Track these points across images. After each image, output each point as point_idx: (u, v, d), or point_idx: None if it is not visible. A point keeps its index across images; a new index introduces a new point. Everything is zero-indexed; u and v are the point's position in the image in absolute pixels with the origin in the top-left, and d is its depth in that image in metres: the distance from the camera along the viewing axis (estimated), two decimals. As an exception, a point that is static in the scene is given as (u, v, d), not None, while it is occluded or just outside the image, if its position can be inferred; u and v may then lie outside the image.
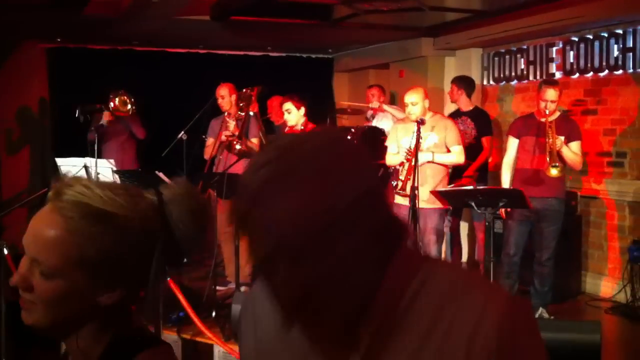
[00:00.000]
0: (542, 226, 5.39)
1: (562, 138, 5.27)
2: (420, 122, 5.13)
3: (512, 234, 5.45)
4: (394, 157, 5.73)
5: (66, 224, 1.20)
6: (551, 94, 5.28)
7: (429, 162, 5.44)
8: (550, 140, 5.17)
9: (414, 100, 5.55)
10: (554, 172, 5.12)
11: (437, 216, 5.68)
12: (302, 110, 5.99)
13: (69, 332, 1.28)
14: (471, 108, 7.05)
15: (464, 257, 7.64)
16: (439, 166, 5.60)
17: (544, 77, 7.06)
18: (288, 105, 5.95)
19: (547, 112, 5.26)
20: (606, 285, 6.32)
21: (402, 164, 5.53)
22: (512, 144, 5.59)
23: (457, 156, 5.57)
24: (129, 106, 6.84)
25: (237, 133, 6.24)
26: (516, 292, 5.53)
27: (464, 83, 7.04)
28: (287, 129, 6.20)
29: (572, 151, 5.34)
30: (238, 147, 6.11)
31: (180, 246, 1.28)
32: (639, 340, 5.27)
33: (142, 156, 7.48)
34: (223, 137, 6.28)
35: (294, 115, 5.94)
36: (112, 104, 6.81)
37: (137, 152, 7.42)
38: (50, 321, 1.24)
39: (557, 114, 5.41)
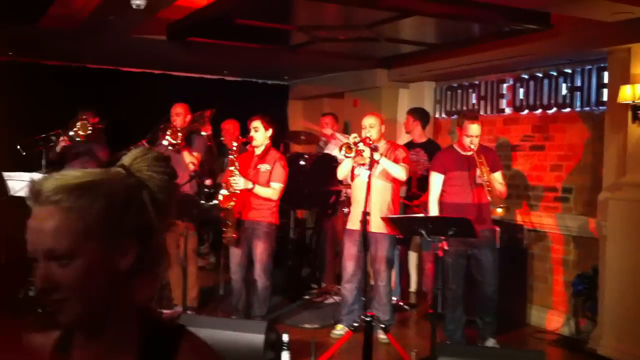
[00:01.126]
0: (479, 258, 5.49)
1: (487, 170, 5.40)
2: (374, 149, 5.18)
3: (450, 269, 5.49)
4: (343, 164, 5.80)
5: (58, 207, 1.27)
6: (474, 129, 5.41)
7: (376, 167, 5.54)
8: (485, 176, 5.30)
9: (372, 122, 5.67)
10: (499, 211, 5.23)
11: (389, 243, 5.75)
12: (269, 132, 5.99)
13: (103, 318, 1.32)
14: (424, 140, 7.17)
15: (413, 287, 7.70)
16: (387, 193, 5.67)
17: (495, 112, 7.24)
18: (257, 124, 5.95)
19: (473, 146, 5.37)
20: (551, 318, 6.43)
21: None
22: (437, 180, 5.62)
23: (403, 169, 5.65)
24: (89, 130, 6.76)
25: (178, 140, 6.21)
26: (464, 323, 5.56)
27: (420, 115, 7.17)
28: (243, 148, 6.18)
29: (498, 182, 5.48)
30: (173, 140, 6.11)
31: (161, 195, 1.37)
32: (582, 372, 5.36)
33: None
34: (165, 142, 6.23)
35: (260, 135, 5.94)
36: (74, 128, 6.72)
37: None
38: (85, 308, 1.29)
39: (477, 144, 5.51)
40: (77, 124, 6.69)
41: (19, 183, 6.62)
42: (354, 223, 5.81)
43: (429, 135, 7.41)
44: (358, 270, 5.91)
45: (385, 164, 5.56)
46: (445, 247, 4.91)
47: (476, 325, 5.65)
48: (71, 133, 6.73)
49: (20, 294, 6.42)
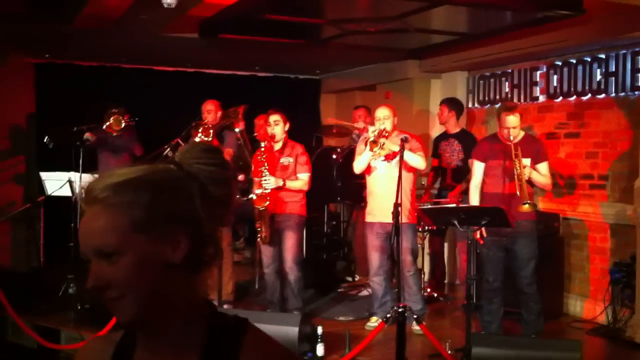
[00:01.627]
0: (516, 250, 5.29)
1: (529, 162, 5.22)
2: (405, 140, 5.18)
3: (487, 260, 5.39)
4: (362, 157, 5.79)
5: (104, 205, 1.26)
6: (512, 120, 5.22)
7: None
8: (518, 170, 5.07)
9: (386, 114, 5.73)
10: (526, 207, 5.05)
11: (412, 232, 5.75)
12: (287, 125, 6.04)
13: (163, 315, 1.28)
14: (458, 130, 7.13)
15: (447, 278, 7.67)
16: (406, 183, 5.64)
17: (528, 100, 7.16)
18: (277, 117, 5.99)
19: (511, 137, 5.20)
20: (588, 307, 6.36)
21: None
22: (478, 167, 5.52)
23: (423, 159, 5.65)
24: (122, 124, 6.86)
25: (210, 137, 6.27)
26: (501, 316, 5.44)
27: (455, 105, 7.13)
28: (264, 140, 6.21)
29: (541, 174, 5.30)
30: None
31: (214, 187, 1.33)
32: (619, 360, 5.29)
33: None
34: (196, 139, 6.30)
35: (280, 128, 5.99)
36: (107, 122, 6.83)
37: None
38: (142, 305, 1.26)
39: (522, 134, 5.38)
40: (110, 118, 6.80)
41: (56, 183, 6.76)
42: (374, 216, 5.82)
43: (462, 126, 7.37)
44: (384, 262, 5.91)
45: (408, 155, 5.53)
46: (477, 238, 4.87)
47: (519, 319, 5.52)
48: (104, 127, 6.83)
49: (60, 291, 6.55)
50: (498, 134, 5.47)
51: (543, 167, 5.34)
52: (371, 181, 5.92)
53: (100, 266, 1.24)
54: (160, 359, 1.30)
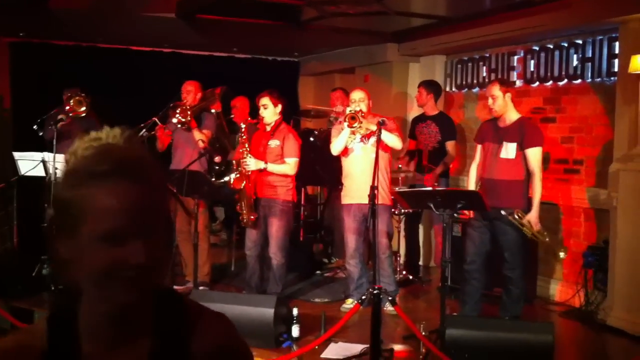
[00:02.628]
0: (499, 236, 5.28)
1: (514, 147, 5.20)
2: (382, 123, 5.18)
3: (470, 240, 5.42)
4: (339, 138, 5.79)
5: (154, 182, 1.26)
6: (489, 90, 5.33)
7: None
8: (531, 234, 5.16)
9: (362, 96, 5.79)
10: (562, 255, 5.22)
11: (388, 214, 5.79)
12: (279, 107, 5.99)
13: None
14: (436, 113, 7.15)
15: (421, 261, 7.71)
16: (382, 164, 5.64)
17: (506, 85, 7.18)
18: (265, 101, 5.94)
19: (495, 108, 5.26)
20: (561, 290, 6.43)
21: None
22: (478, 150, 5.56)
23: (399, 138, 5.67)
24: (84, 106, 6.71)
25: (187, 118, 6.21)
26: (478, 298, 5.44)
27: (433, 87, 7.15)
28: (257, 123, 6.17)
29: (529, 160, 5.23)
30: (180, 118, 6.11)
31: None
32: (593, 343, 5.36)
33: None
34: (174, 120, 6.24)
35: (269, 111, 5.93)
36: (67, 107, 6.68)
37: None
38: (157, 280, 1.24)
39: (515, 116, 5.38)
40: (70, 101, 6.65)
41: (29, 163, 6.68)
42: (351, 197, 5.84)
43: (440, 109, 7.38)
44: (360, 245, 5.94)
45: (385, 135, 5.53)
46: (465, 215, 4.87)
47: (499, 301, 5.55)
48: (68, 112, 6.68)
49: (34, 272, 6.50)
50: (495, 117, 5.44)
51: (530, 152, 5.23)
52: (347, 163, 5.92)
53: (147, 245, 1.18)
54: (115, 346, 1.24)
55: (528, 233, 5.12)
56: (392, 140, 5.60)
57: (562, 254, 5.19)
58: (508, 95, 5.33)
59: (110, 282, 1.17)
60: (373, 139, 5.73)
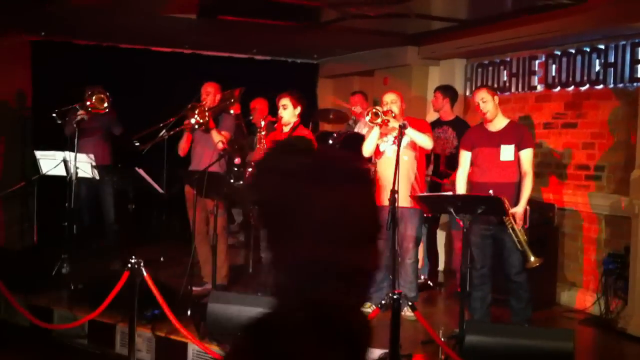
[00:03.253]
0: (504, 239, 5.25)
1: (512, 149, 5.26)
2: (403, 127, 5.15)
3: (475, 246, 5.37)
4: (368, 139, 5.80)
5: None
6: (476, 96, 5.38)
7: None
8: (517, 236, 5.15)
9: (394, 98, 5.75)
10: (532, 261, 5.15)
11: (417, 219, 5.75)
12: (299, 109, 5.98)
13: None
14: (452, 118, 7.11)
15: (441, 266, 7.67)
16: (413, 168, 5.69)
17: (526, 90, 7.15)
18: (285, 101, 5.94)
19: (485, 112, 5.29)
20: (580, 297, 6.38)
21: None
22: (464, 157, 5.51)
23: (429, 137, 5.69)
24: (106, 103, 6.74)
25: (206, 119, 6.20)
26: (490, 302, 5.44)
27: (450, 92, 7.11)
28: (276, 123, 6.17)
29: (522, 161, 5.28)
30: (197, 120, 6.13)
31: None
32: (613, 351, 5.31)
33: (119, 152, 7.40)
34: (192, 121, 6.24)
35: (288, 112, 5.93)
36: (88, 102, 6.71)
37: (112, 149, 7.34)
38: None
39: (505, 122, 5.38)
40: (92, 98, 6.68)
41: (50, 162, 6.72)
42: (381, 200, 5.81)
43: (457, 113, 7.35)
44: (386, 248, 5.91)
45: (412, 133, 5.54)
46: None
47: (508, 307, 5.54)
48: (89, 108, 6.70)
49: (54, 270, 6.54)
50: (483, 123, 5.48)
51: (525, 153, 5.29)
52: (380, 166, 5.90)
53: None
54: None
55: (515, 239, 5.07)
56: (421, 138, 5.57)
57: (532, 259, 5.12)
58: (496, 98, 5.39)
59: None
60: (405, 141, 5.70)
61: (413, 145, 5.70)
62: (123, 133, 7.20)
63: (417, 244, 5.89)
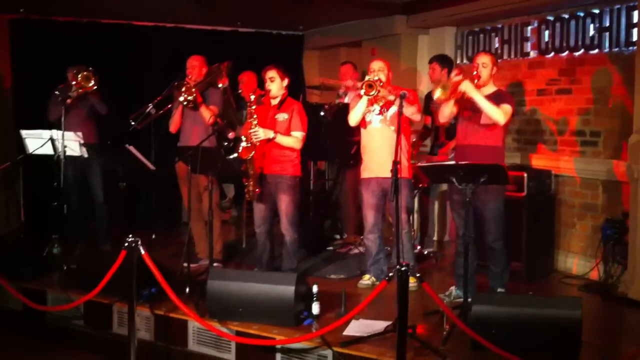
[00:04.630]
0: (481, 208, 5.24)
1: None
2: (403, 97, 5.04)
3: (456, 216, 5.39)
4: (356, 109, 5.68)
5: None
6: (480, 58, 5.30)
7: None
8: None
9: (381, 66, 5.66)
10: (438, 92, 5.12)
11: (408, 189, 5.71)
12: (286, 81, 5.88)
13: None
14: None
15: (435, 236, 7.63)
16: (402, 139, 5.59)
17: (519, 56, 7.07)
18: (272, 73, 5.82)
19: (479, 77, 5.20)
20: (578, 264, 6.37)
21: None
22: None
23: (417, 110, 5.60)
24: (92, 81, 6.58)
25: (192, 97, 6.09)
26: (474, 270, 5.36)
27: (447, 62, 6.97)
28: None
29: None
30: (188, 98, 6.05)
31: None
32: (613, 316, 5.30)
33: (105, 131, 7.20)
34: (181, 99, 6.13)
35: (276, 85, 5.82)
36: (74, 82, 6.55)
37: (98, 128, 7.13)
38: None
39: (493, 89, 5.30)
40: (78, 77, 6.52)
41: (37, 141, 6.55)
42: (370, 171, 5.75)
43: (450, 82, 7.25)
44: (379, 220, 5.86)
45: (404, 107, 5.43)
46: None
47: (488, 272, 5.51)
48: (76, 86, 6.54)
49: (44, 252, 6.41)
50: None
51: (503, 105, 5.15)
52: (366, 136, 5.81)
53: None
54: None
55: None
56: (412, 113, 5.51)
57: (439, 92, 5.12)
58: (494, 69, 5.31)
59: None
60: (392, 111, 5.63)
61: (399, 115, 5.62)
62: (108, 112, 7.01)
63: (409, 214, 5.85)
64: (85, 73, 6.53)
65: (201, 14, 8.28)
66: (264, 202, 5.90)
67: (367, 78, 5.50)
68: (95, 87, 6.58)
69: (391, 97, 5.53)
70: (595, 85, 6.31)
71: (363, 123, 5.76)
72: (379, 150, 5.64)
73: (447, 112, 5.31)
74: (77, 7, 8.00)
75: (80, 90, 6.56)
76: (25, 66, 8.28)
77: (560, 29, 6.60)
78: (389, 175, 5.39)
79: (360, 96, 5.59)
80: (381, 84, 5.46)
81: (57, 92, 6.68)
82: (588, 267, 6.18)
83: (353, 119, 5.73)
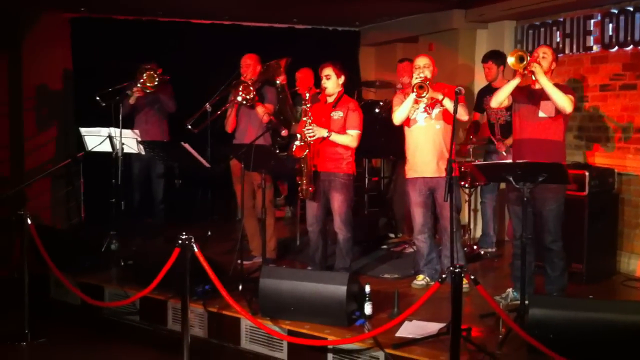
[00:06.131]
0: (540, 207, 5.06)
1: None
2: (459, 93, 4.92)
3: (514, 216, 5.22)
4: (402, 107, 5.59)
5: None
6: (541, 49, 5.14)
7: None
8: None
9: (427, 62, 5.56)
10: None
11: (455, 188, 5.56)
12: (342, 78, 5.83)
13: None
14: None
15: (494, 236, 7.45)
16: (445, 136, 5.53)
17: (581, 51, 6.85)
18: (328, 71, 5.78)
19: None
20: (642, 266, 6.15)
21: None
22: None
23: (464, 109, 5.41)
24: (157, 81, 6.70)
25: (251, 95, 6.09)
26: (533, 271, 5.23)
27: (502, 59, 6.78)
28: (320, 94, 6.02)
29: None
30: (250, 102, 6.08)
31: None
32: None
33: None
34: (239, 98, 6.14)
35: (332, 82, 5.77)
36: (141, 79, 6.68)
37: (168, 125, 7.26)
38: None
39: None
40: (143, 75, 6.66)
41: (96, 139, 6.67)
42: (415, 171, 5.65)
43: (508, 77, 7.05)
44: (428, 219, 5.75)
45: (448, 104, 5.34)
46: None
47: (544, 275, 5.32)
48: (139, 85, 6.69)
49: (102, 247, 6.52)
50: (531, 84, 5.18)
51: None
52: (411, 135, 5.70)
53: None
54: None
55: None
56: (459, 111, 5.38)
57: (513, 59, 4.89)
58: (554, 64, 5.14)
59: None
60: (437, 110, 5.53)
61: (444, 114, 5.50)
62: (176, 110, 7.12)
63: (458, 212, 5.72)
64: (150, 72, 6.66)
65: (258, 11, 8.28)
66: (317, 200, 5.86)
67: (415, 77, 5.39)
68: (156, 86, 6.68)
69: (438, 96, 5.41)
70: (662, 80, 6.06)
71: (407, 122, 5.66)
72: (424, 149, 5.56)
73: (502, 96, 5.12)
74: (136, 5, 8.12)
75: (138, 87, 6.69)
76: (86, 64, 8.43)
77: (624, 22, 6.36)
78: (434, 174, 5.34)
79: (403, 93, 5.50)
80: (428, 82, 5.36)
81: (127, 91, 6.82)
82: (653, 269, 5.96)
83: (398, 118, 5.64)
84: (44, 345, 5.23)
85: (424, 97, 5.35)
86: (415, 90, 5.32)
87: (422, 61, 5.59)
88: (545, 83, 4.89)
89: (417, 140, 5.64)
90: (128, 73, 6.91)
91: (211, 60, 8.51)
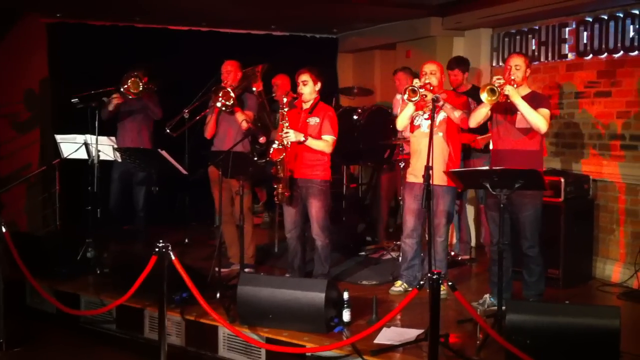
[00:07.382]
0: (517, 213, 5.11)
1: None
2: (435, 100, 4.96)
3: (491, 222, 5.27)
4: (403, 113, 5.59)
5: None
6: (513, 60, 5.19)
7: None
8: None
9: (434, 69, 5.57)
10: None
11: (450, 196, 5.60)
12: (318, 85, 5.83)
13: None
14: (470, 87, 6.89)
15: (472, 242, 7.51)
16: (449, 144, 5.53)
17: (556, 58, 6.92)
18: (305, 77, 5.78)
19: (512, 77, 5.06)
20: (617, 271, 6.20)
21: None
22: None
23: (461, 114, 5.43)
24: (140, 88, 6.62)
25: (231, 102, 6.08)
26: (511, 277, 5.29)
27: (466, 64, 6.90)
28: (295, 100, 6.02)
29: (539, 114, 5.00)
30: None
31: None
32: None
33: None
34: (218, 104, 6.11)
35: (309, 88, 5.77)
36: (124, 85, 6.60)
37: (152, 132, 7.18)
38: None
39: (527, 91, 5.17)
40: (128, 81, 6.58)
41: (71, 146, 6.61)
42: (415, 176, 5.65)
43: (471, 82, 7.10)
44: (419, 225, 5.77)
45: (448, 110, 5.37)
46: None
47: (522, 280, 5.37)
48: (122, 90, 6.61)
49: (79, 255, 6.46)
50: None
51: (541, 110, 5.01)
52: (414, 140, 5.73)
53: None
54: None
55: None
56: (453, 116, 5.41)
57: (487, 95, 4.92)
58: (528, 71, 5.20)
59: None
60: (441, 115, 5.54)
61: (448, 121, 5.51)
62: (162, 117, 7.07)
63: (449, 222, 5.73)
64: (135, 79, 6.57)
65: (236, 17, 8.27)
66: (295, 207, 5.86)
67: (414, 82, 5.41)
68: (140, 94, 6.62)
69: (440, 103, 5.38)
70: (635, 87, 6.14)
71: (412, 127, 5.69)
72: (425, 155, 5.56)
73: (481, 116, 5.20)
74: (112, 11, 8.07)
75: (118, 95, 6.63)
76: (62, 70, 8.36)
77: (599, 30, 6.44)
78: (436, 182, 5.30)
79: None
80: (431, 87, 5.35)
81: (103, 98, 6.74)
82: (627, 274, 6.02)
83: (400, 124, 5.68)
84: (20, 353, 5.17)
85: (415, 100, 5.34)
86: (407, 92, 5.33)
87: (429, 68, 5.61)
88: (521, 106, 4.97)
89: (419, 145, 5.64)
90: (106, 79, 6.84)
91: (188, 66, 8.47)
